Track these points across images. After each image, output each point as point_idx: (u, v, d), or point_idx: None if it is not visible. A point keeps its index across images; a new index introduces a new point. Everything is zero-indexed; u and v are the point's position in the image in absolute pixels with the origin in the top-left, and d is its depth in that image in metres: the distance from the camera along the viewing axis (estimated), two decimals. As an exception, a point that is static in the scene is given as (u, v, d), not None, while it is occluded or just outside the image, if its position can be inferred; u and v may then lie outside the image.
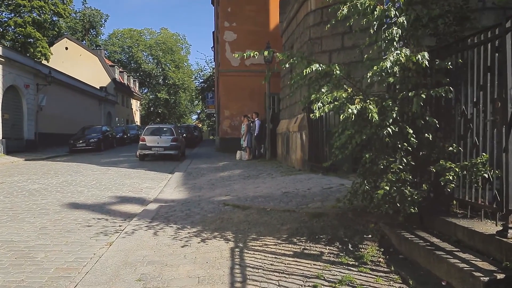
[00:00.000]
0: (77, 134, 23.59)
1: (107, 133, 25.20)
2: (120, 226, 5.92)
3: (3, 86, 19.07)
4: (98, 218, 6.42)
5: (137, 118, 54.43)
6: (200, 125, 60.85)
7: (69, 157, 18.78)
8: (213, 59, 46.68)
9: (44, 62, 28.35)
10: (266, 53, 5.37)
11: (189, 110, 71.21)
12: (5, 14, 30.45)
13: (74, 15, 49.13)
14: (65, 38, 39.89)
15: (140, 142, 16.69)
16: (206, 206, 6.76)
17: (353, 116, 4.11)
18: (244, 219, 5.67)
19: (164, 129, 17.71)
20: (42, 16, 30.57)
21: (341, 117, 4.25)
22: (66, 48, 39.37)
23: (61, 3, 31.32)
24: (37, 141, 22.26)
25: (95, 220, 6.28)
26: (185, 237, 5.02)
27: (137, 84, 55.56)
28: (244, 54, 5.00)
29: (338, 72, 4.60)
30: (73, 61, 38.49)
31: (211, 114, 56.95)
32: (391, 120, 4.08)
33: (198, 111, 71.22)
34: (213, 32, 40.27)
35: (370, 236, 4.55)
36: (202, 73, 56.16)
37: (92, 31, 53.45)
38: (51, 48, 32.81)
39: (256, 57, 5.15)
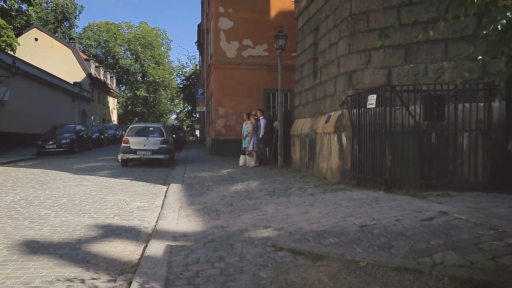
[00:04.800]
0: (46, 134, 20.48)
1: (82, 133, 22.14)
2: (108, 298, 3.34)
3: (-46, 76, 15.89)
4: (69, 277, 3.79)
5: (114, 117, 50.91)
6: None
7: (36, 162, 15.77)
8: (198, 55, 43.90)
9: (10, 53, 25.00)
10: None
11: (169, 109, 67.96)
12: (-36, -2, 26.90)
13: (45, 5, 45.35)
14: (35, 28, 36.23)
15: (123, 144, 13.87)
16: (246, 251, 4.23)
17: None
18: (336, 289, 3.18)
19: (152, 129, 14.92)
20: (8, 3, 27.14)
21: None
22: (36, 39, 35.74)
23: (30, -11, 27.94)
24: (-2, 141, 19.07)
25: (62, 282, 3.66)
26: None
27: (114, 80, 52.01)
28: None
29: None
30: (44, 53, 34.95)
31: (191, 112, 54.14)
32: None
33: (178, 110, 67.99)
34: (198, 25, 37.56)
35: None
36: (184, 70, 53.35)
37: (65, 23, 49.58)
38: (18, 38, 29.37)
39: None
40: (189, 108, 51.87)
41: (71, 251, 4.58)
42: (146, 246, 4.80)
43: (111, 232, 5.48)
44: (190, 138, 58.58)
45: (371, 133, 7.27)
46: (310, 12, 10.96)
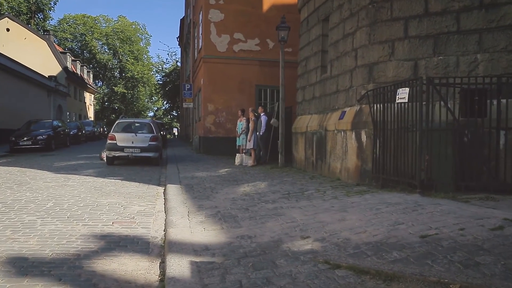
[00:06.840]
0: (20, 130, 18.96)
1: (59, 129, 20.70)
2: None
3: None
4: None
5: (90, 113, 48.97)
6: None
7: (10, 159, 14.45)
8: (179, 51, 42.48)
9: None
10: None
11: (146, 107, 66.12)
12: None
13: (18, -5, 42.95)
14: (6, 18, 34.16)
15: (109, 141, 12.78)
16: (296, 270, 3.44)
17: None
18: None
19: (140, 124, 13.90)
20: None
21: None
22: (8, 30, 33.70)
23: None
24: (-33, 137, 17.54)
25: (69, 317, 2.78)
26: None
27: (91, 75, 50.00)
28: None
29: None
30: (17, 44, 32.96)
31: (170, 110, 52.53)
32: None
33: (155, 108, 66.18)
34: (181, 19, 36.38)
35: None
36: (164, 66, 51.84)
37: (39, 15, 47.19)
38: (-12, 27, 27.62)
39: None
40: (168, 106, 50.42)
41: (70, 271, 3.68)
42: (162, 262, 3.97)
43: (114, 244, 4.58)
44: (168, 136, 57.17)
45: (397, 130, 6.60)
46: (318, 1, 10.24)
